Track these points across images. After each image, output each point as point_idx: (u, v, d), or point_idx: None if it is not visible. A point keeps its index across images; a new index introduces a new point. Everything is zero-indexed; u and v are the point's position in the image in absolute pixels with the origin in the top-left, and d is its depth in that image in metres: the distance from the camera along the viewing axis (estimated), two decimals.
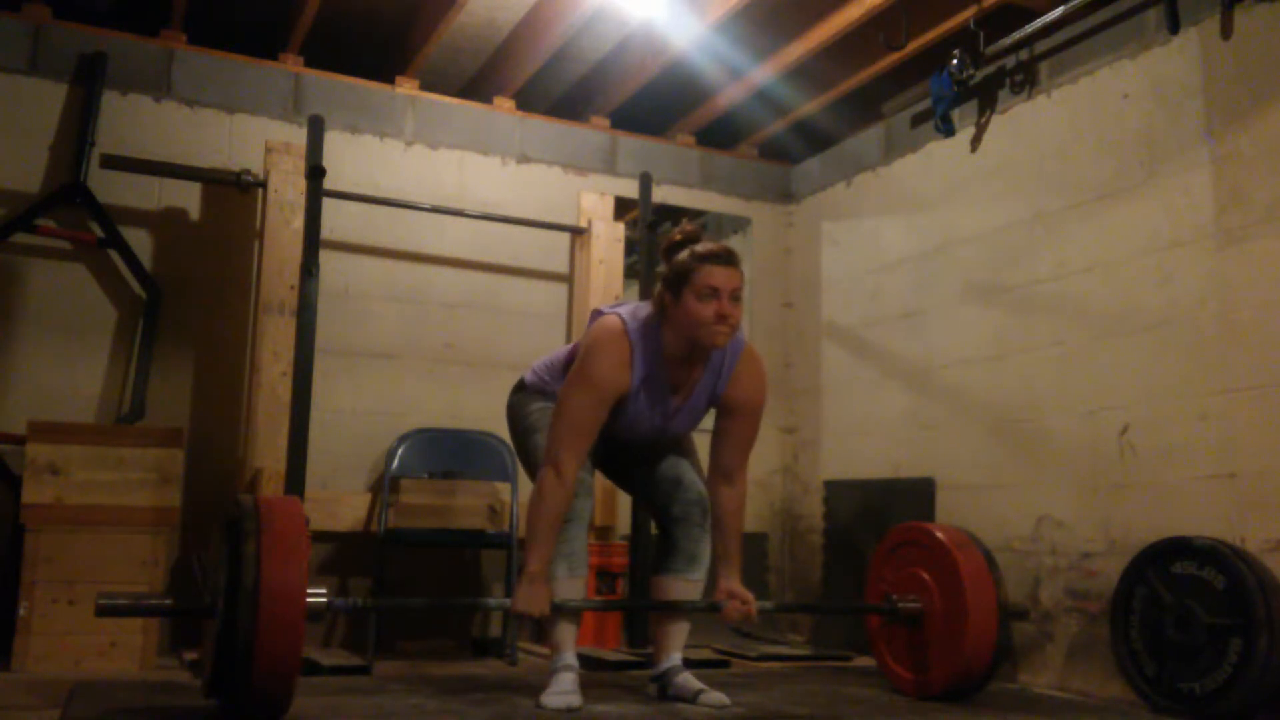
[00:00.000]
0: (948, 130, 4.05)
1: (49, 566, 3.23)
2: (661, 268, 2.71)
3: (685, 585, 2.82)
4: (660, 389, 2.71)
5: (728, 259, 2.60)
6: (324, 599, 2.40)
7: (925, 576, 3.01)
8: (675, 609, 2.80)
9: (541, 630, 2.74)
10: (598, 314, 2.77)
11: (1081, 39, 3.63)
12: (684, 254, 2.62)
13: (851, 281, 4.67)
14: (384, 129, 4.35)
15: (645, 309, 2.73)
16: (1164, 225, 3.30)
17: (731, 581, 2.78)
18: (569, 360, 2.83)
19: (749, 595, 2.76)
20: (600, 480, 3.91)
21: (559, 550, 2.69)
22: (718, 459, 2.81)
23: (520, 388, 2.97)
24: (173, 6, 3.96)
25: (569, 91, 4.73)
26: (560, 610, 2.66)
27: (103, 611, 2.28)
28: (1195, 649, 2.87)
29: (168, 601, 2.58)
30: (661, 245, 2.72)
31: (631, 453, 2.91)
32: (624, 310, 2.73)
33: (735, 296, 2.59)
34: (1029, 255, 3.77)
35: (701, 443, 2.94)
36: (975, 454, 3.88)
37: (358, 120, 4.30)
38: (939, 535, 3.03)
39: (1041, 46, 3.77)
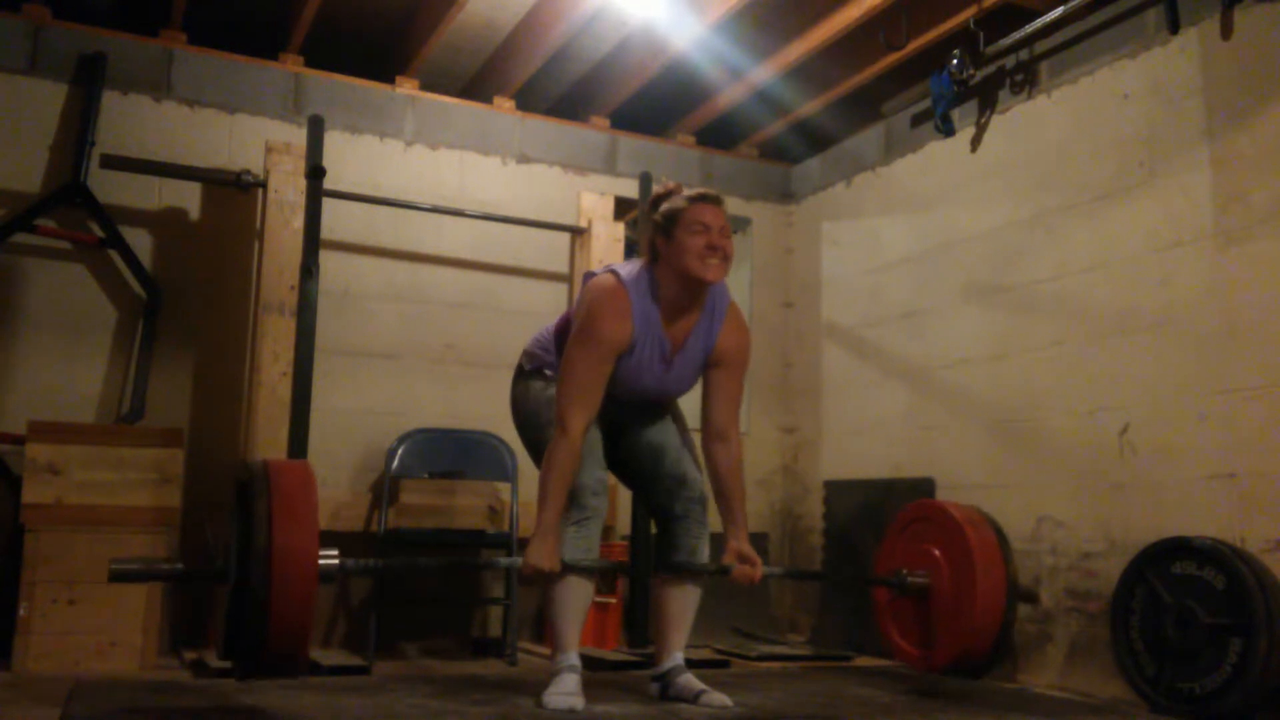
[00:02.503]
0: (948, 130, 4.05)
1: (49, 566, 3.23)
2: (649, 220, 2.80)
3: (688, 583, 2.82)
4: (658, 337, 2.75)
5: (715, 200, 2.75)
6: (336, 560, 2.41)
7: (936, 552, 3.02)
8: (684, 569, 2.80)
9: (548, 583, 2.71)
10: (589, 276, 2.84)
11: (1081, 39, 3.63)
12: (673, 199, 2.75)
13: (851, 281, 4.68)
14: (384, 129, 4.35)
15: (636, 264, 2.81)
16: (1164, 225, 3.30)
17: (739, 543, 2.79)
18: (562, 328, 2.85)
19: (756, 558, 2.77)
20: None
21: (575, 546, 2.70)
22: (709, 416, 2.84)
23: (520, 374, 2.98)
24: (173, 6, 3.96)
25: (569, 91, 4.73)
26: (570, 569, 2.66)
27: (116, 576, 2.30)
28: (1195, 649, 2.87)
29: (179, 566, 2.59)
30: (648, 200, 2.84)
31: (634, 429, 2.90)
32: (615, 267, 2.80)
33: (724, 233, 2.70)
34: (1029, 255, 3.77)
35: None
36: (975, 454, 3.88)
37: (358, 120, 4.30)
38: (951, 511, 3.04)
39: (1041, 46, 3.77)
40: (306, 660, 2.31)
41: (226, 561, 2.32)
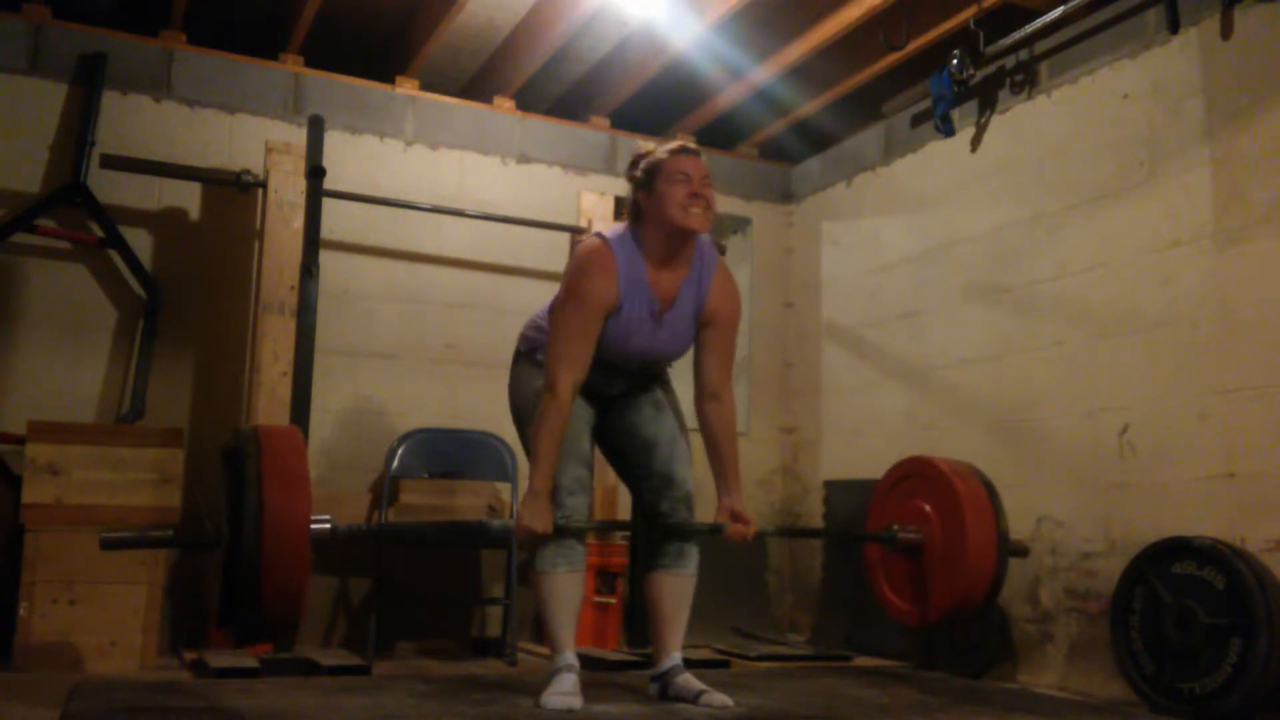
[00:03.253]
0: (948, 130, 4.05)
1: (49, 566, 3.23)
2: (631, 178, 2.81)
3: (677, 580, 2.81)
4: (645, 295, 2.74)
5: (695, 151, 2.74)
6: (328, 524, 2.41)
7: (926, 508, 3.03)
8: (678, 531, 2.79)
9: (536, 546, 2.71)
10: (576, 243, 2.88)
11: (1081, 39, 3.63)
12: (653, 154, 2.75)
13: (851, 281, 4.68)
14: (384, 129, 4.35)
15: (622, 226, 2.82)
16: (1164, 225, 3.30)
17: (732, 501, 2.80)
18: (555, 305, 2.86)
19: (749, 516, 2.79)
20: (600, 480, 3.93)
21: (557, 547, 2.69)
22: (702, 375, 2.85)
23: (515, 358, 2.97)
24: (173, 6, 3.96)
25: (569, 91, 4.73)
26: (563, 531, 2.66)
27: (107, 545, 2.33)
28: (1195, 649, 2.87)
29: (169, 533, 2.60)
30: (629, 163, 2.83)
31: (628, 417, 2.88)
32: (601, 230, 2.82)
33: (705, 182, 2.70)
34: (1029, 255, 3.77)
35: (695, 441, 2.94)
36: (975, 454, 3.86)
37: (358, 120, 4.30)
38: (940, 466, 3.05)
39: (1041, 46, 3.77)
40: (299, 619, 2.34)
41: (219, 528, 2.31)
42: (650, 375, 2.93)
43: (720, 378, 2.84)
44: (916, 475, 3.12)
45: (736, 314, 2.88)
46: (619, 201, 4.57)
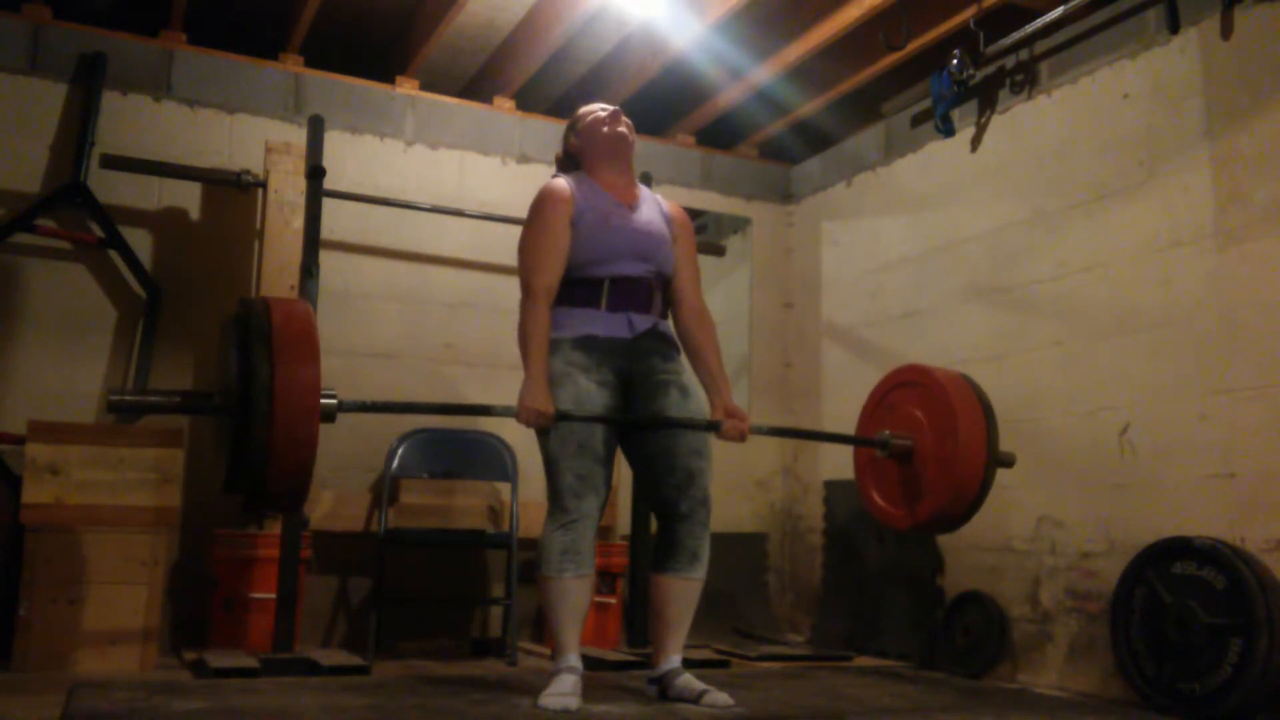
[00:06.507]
0: (948, 130, 4.05)
1: (49, 566, 3.23)
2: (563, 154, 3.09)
3: (687, 584, 2.79)
4: (604, 196, 2.90)
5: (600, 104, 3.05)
6: (334, 399, 2.43)
7: (918, 413, 3.04)
8: (673, 425, 2.80)
9: (545, 436, 2.74)
10: None
11: (1081, 39, 3.64)
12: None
13: (851, 281, 4.68)
14: (384, 129, 4.35)
15: None
16: (1164, 225, 3.30)
17: (726, 400, 2.89)
18: None
19: (744, 413, 2.88)
20: None
21: (564, 548, 2.68)
22: (680, 292, 2.98)
23: None
24: (173, 6, 3.96)
25: (569, 91, 4.73)
26: (563, 417, 2.67)
27: (114, 407, 2.34)
28: (1195, 649, 2.87)
29: (176, 398, 2.59)
30: (554, 161, 3.12)
31: (656, 396, 2.83)
32: None
33: (619, 112, 3.00)
34: (1029, 255, 3.77)
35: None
36: None
37: (358, 120, 4.31)
38: (934, 373, 3.08)
39: (1041, 46, 3.77)
40: (307, 490, 2.36)
41: (226, 395, 2.31)
42: (663, 295, 2.95)
43: (696, 291, 3.00)
44: (910, 383, 3.14)
45: (693, 231, 3.09)
46: None
